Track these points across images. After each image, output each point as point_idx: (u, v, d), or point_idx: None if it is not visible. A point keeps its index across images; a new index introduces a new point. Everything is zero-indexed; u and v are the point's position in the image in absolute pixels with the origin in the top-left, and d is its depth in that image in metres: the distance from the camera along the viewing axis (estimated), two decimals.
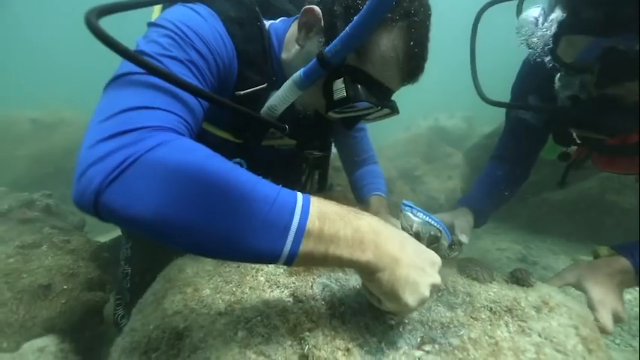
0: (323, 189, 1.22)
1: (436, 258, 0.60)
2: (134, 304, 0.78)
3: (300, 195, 0.52)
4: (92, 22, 0.59)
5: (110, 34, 0.58)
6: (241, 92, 0.82)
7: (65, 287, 0.99)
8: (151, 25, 0.70)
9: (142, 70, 0.58)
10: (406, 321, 0.63)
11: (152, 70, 0.57)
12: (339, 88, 0.73)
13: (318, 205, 0.52)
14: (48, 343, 0.86)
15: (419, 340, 0.59)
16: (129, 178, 0.45)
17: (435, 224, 0.73)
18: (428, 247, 0.63)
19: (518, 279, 0.74)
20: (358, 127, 1.30)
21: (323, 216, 0.51)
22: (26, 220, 1.32)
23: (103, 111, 0.52)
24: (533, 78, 1.09)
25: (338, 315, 0.62)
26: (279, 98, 0.79)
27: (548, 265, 1.81)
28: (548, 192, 2.25)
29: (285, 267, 0.72)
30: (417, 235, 0.74)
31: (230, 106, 0.70)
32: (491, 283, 0.75)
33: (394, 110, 0.84)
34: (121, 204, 0.45)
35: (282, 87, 0.78)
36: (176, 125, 0.56)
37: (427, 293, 0.55)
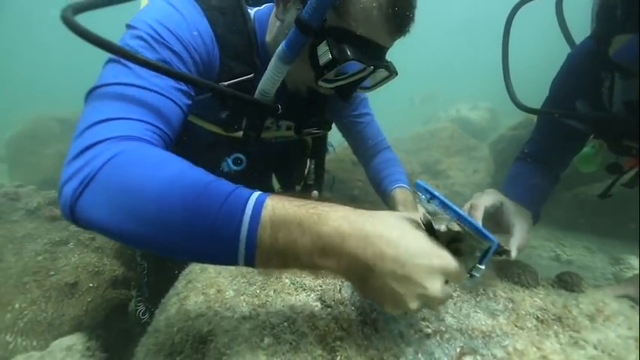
0: (320, 179, 1.15)
1: (442, 262, 0.47)
2: (153, 299, 0.78)
3: (253, 198, 0.46)
4: (67, 16, 0.59)
5: (85, 27, 0.58)
6: (225, 83, 0.79)
7: (91, 285, 1.00)
8: (127, 26, 0.70)
9: (116, 81, 0.59)
10: (443, 329, 0.58)
11: (132, 59, 0.58)
12: (324, 51, 0.68)
13: (273, 209, 0.45)
14: (75, 341, 0.87)
15: (458, 350, 0.55)
16: (88, 196, 0.49)
17: (454, 216, 0.49)
18: (449, 246, 0.50)
19: (567, 283, 0.67)
20: (363, 112, 1.23)
21: (277, 222, 0.45)
22: (54, 218, 1.35)
23: (78, 126, 0.55)
24: (580, 78, 0.97)
25: (369, 322, 0.58)
26: (268, 79, 0.76)
27: (584, 264, 1.69)
28: (582, 186, 2.11)
29: None
30: (430, 227, 0.52)
31: (217, 89, 0.70)
32: (536, 287, 0.69)
33: (391, 71, 0.77)
34: (89, 220, 0.49)
35: (268, 67, 0.76)
36: (143, 132, 0.56)
37: (414, 306, 0.46)
